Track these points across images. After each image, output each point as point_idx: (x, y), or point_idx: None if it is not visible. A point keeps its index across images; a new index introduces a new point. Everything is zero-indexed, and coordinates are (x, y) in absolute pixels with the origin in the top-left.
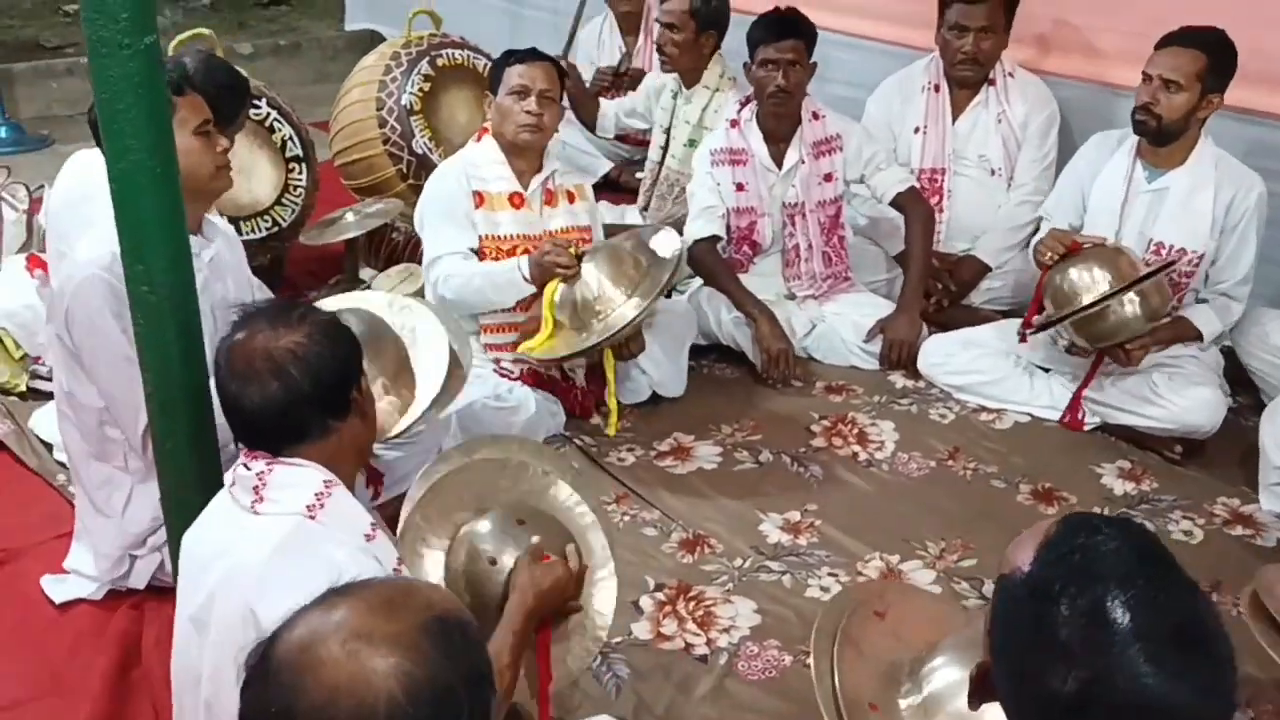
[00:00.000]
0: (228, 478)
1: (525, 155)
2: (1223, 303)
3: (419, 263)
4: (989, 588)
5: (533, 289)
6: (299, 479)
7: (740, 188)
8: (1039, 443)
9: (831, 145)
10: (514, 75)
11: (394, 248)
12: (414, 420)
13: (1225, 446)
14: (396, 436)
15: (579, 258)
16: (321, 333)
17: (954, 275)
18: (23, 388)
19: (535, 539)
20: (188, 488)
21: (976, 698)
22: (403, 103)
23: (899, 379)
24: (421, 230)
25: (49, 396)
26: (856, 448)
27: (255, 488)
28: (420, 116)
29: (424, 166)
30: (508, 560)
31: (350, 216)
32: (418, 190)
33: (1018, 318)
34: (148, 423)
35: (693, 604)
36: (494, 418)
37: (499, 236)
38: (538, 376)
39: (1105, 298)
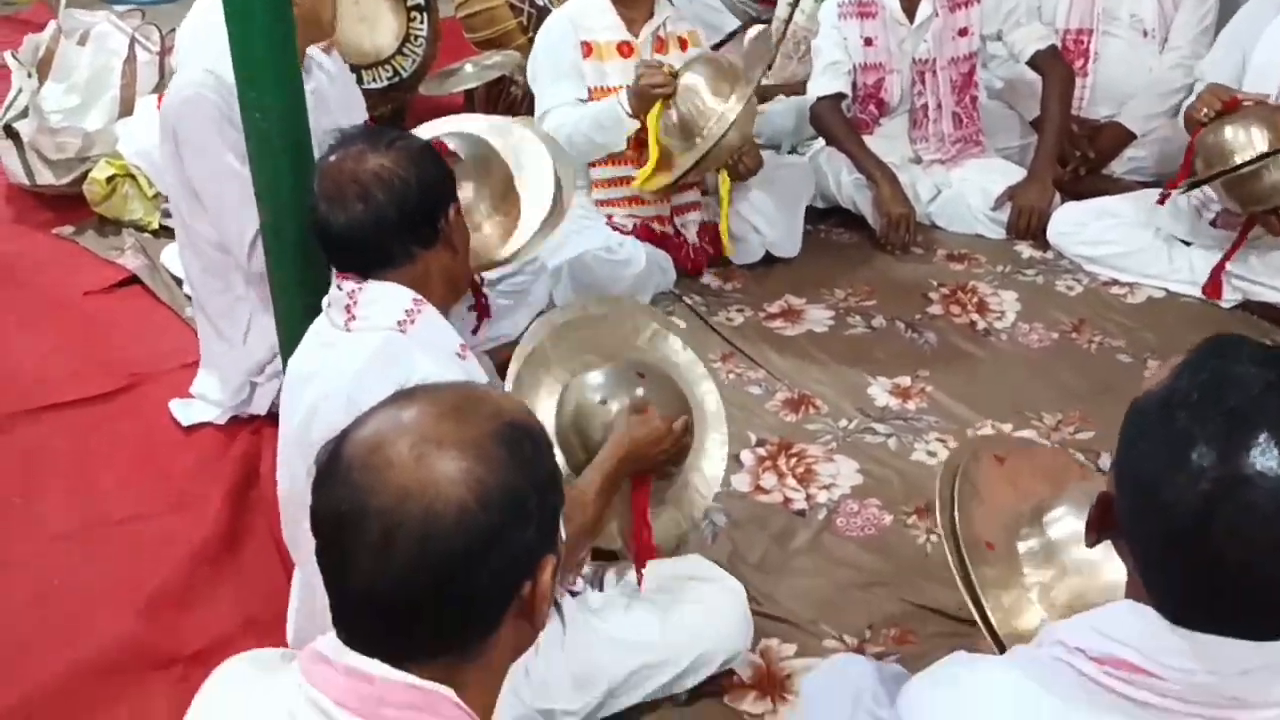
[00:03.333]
0: (325, 301)
1: (634, 4)
2: None
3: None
4: (1105, 460)
5: (636, 124)
6: (390, 295)
7: (868, 43)
8: (1173, 318)
9: None
10: None
11: (512, 101)
12: (522, 244)
13: None
14: (505, 261)
15: (675, 75)
16: (409, 158)
17: (1094, 143)
18: (155, 225)
19: (640, 391)
20: (299, 315)
21: (1094, 532)
22: None
23: (1026, 249)
24: (531, 80)
25: None
26: (975, 316)
27: (348, 306)
28: None
29: (544, 19)
30: (615, 406)
31: (469, 68)
32: None
33: (1160, 189)
34: (255, 241)
35: (794, 461)
36: (605, 269)
37: (607, 88)
38: (649, 232)
39: (1260, 158)
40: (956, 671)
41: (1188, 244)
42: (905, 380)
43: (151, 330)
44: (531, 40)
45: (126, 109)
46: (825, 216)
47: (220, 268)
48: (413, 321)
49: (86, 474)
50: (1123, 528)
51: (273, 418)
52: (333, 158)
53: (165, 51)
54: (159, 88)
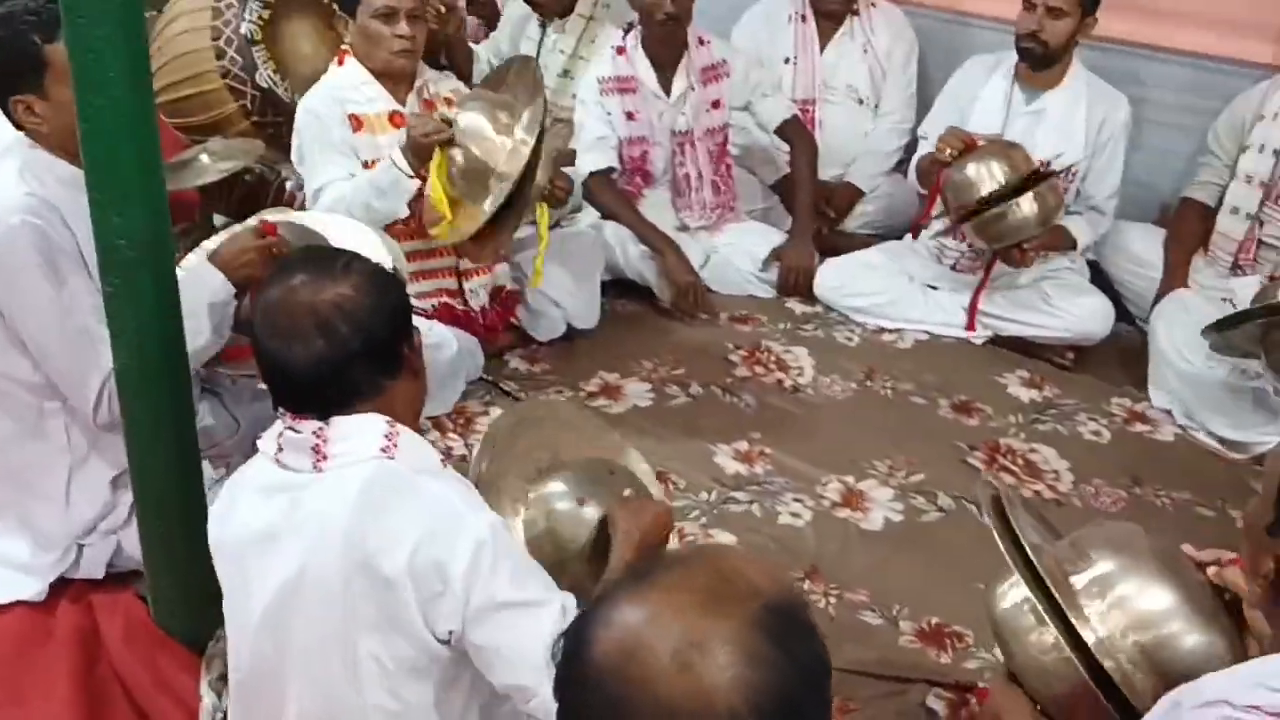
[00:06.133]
0: (266, 445)
1: (396, 74)
2: (1093, 215)
3: (289, 205)
4: (944, 500)
5: (417, 182)
6: (362, 426)
7: (631, 116)
8: (941, 358)
9: (718, 71)
10: None
11: (249, 191)
12: None
13: (1102, 350)
14: None
15: (447, 121)
16: (369, 283)
17: (831, 202)
18: None
19: (629, 492)
20: (162, 463)
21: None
22: (242, 32)
23: (796, 305)
24: (301, 167)
25: None
26: (780, 375)
27: (315, 447)
28: (262, 47)
29: (270, 101)
30: (592, 509)
31: (205, 158)
32: (263, 128)
33: (894, 239)
34: (102, 390)
35: (675, 541)
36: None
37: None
38: (450, 312)
39: (1004, 191)
40: None
41: (935, 288)
42: (743, 445)
43: None
44: (256, 125)
45: None
46: (607, 289)
47: (33, 415)
48: (396, 445)
49: None
50: None
51: (101, 582)
52: (277, 289)
53: None
54: None
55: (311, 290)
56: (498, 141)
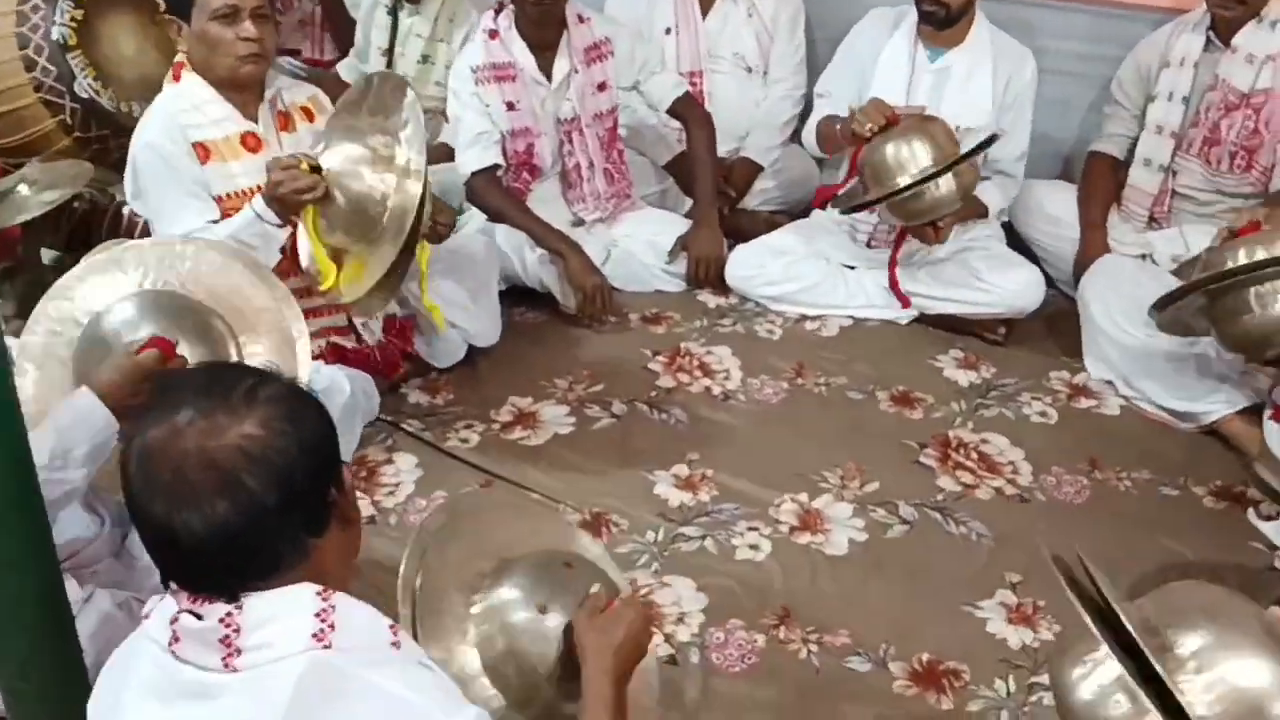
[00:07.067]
0: (155, 629)
1: (244, 88)
2: (1001, 179)
3: (129, 234)
4: (906, 510)
5: (287, 230)
6: (285, 605)
7: (511, 106)
8: (870, 344)
9: (601, 50)
10: None
11: (80, 219)
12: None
13: (1030, 319)
14: None
15: (316, 169)
16: (284, 414)
17: (729, 180)
18: None
19: (596, 588)
20: (25, 623)
21: None
22: (53, 38)
23: (709, 298)
24: (141, 207)
25: None
26: (706, 381)
27: (225, 639)
28: (78, 53)
29: (93, 113)
30: (557, 616)
31: (24, 189)
32: (88, 144)
33: (799, 214)
34: None
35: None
36: None
37: (240, 193)
38: (339, 352)
39: (925, 179)
40: None
41: (853, 268)
42: (683, 469)
43: None
44: (79, 141)
45: None
46: (503, 299)
47: None
48: (332, 627)
49: None
50: None
51: None
52: (156, 434)
53: None
54: None
55: (205, 433)
56: (379, 179)
